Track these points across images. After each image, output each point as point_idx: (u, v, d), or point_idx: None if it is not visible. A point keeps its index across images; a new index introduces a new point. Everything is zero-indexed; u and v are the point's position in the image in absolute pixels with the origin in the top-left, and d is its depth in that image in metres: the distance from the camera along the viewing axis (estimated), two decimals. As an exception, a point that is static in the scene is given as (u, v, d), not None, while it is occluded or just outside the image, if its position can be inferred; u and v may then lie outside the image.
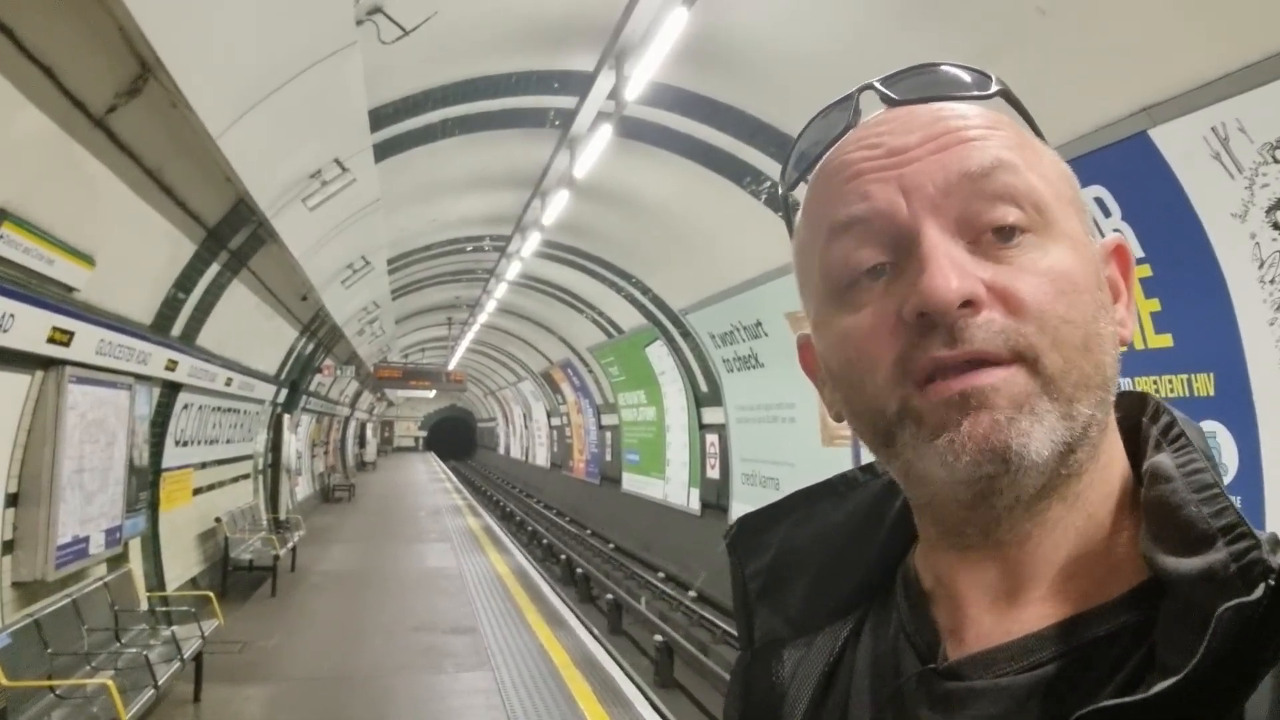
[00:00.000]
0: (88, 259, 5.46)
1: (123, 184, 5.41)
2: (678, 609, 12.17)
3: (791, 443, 10.65)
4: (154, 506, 8.04)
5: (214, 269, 7.75)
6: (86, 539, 6.09)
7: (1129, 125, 4.37)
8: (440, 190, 11.16)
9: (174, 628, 6.20)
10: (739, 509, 12.23)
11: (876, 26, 5.55)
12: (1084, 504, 0.52)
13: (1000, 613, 0.53)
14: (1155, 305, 4.57)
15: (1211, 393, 4.32)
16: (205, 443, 9.93)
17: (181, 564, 8.92)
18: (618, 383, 18.60)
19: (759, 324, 10.67)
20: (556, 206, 10.08)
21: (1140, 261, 4.53)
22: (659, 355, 15.06)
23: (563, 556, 16.28)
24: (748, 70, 6.96)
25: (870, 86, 0.57)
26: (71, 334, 5.37)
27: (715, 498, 13.61)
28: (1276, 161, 3.76)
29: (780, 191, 0.64)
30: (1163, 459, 0.51)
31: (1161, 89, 4.16)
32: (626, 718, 5.83)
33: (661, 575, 14.34)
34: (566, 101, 8.18)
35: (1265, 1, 3.65)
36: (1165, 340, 4.55)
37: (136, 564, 7.46)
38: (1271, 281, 3.92)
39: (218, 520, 10.09)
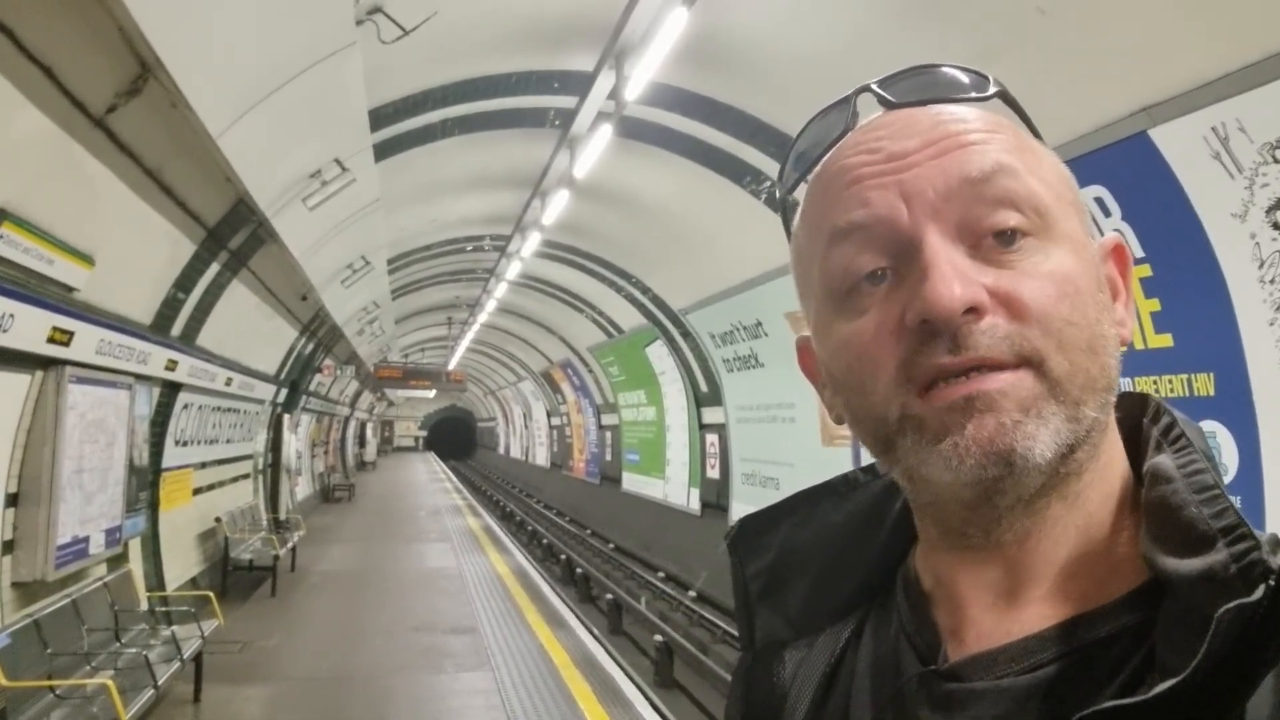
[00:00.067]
0: (88, 259, 5.45)
1: (123, 184, 5.41)
2: (678, 609, 12.17)
3: (791, 443, 10.65)
4: (154, 506, 8.04)
5: (214, 269, 7.75)
6: (86, 539, 6.09)
7: (1129, 125, 4.37)
8: (440, 190, 11.16)
9: (174, 628, 6.20)
10: (739, 509, 12.23)
11: (876, 26, 5.55)
12: (1084, 503, 0.52)
13: (1001, 613, 0.53)
14: (1155, 305, 4.57)
15: (1211, 393, 4.32)
16: (205, 443, 9.92)
17: (181, 564, 8.92)
18: (618, 382, 18.59)
19: (759, 324, 10.66)
20: (556, 206, 10.08)
21: (1140, 261, 4.53)
22: (659, 355, 15.06)
23: (563, 556, 16.28)
24: (748, 70, 6.95)
25: (868, 88, 0.57)
26: (71, 334, 5.37)
27: (715, 498, 13.60)
28: (1276, 161, 3.76)
29: (779, 194, 0.64)
30: (1163, 460, 0.51)
31: (1161, 89, 4.16)
32: (626, 718, 5.83)
33: (661, 575, 14.33)
34: (566, 101, 8.18)
35: (1265, 1, 3.65)
36: (1165, 340, 4.55)
37: (136, 564, 7.46)
38: (1271, 281, 3.92)
39: (218, 520, 10.08)
